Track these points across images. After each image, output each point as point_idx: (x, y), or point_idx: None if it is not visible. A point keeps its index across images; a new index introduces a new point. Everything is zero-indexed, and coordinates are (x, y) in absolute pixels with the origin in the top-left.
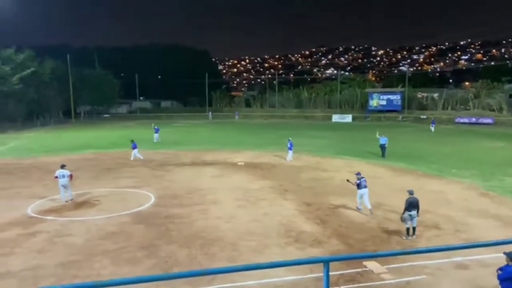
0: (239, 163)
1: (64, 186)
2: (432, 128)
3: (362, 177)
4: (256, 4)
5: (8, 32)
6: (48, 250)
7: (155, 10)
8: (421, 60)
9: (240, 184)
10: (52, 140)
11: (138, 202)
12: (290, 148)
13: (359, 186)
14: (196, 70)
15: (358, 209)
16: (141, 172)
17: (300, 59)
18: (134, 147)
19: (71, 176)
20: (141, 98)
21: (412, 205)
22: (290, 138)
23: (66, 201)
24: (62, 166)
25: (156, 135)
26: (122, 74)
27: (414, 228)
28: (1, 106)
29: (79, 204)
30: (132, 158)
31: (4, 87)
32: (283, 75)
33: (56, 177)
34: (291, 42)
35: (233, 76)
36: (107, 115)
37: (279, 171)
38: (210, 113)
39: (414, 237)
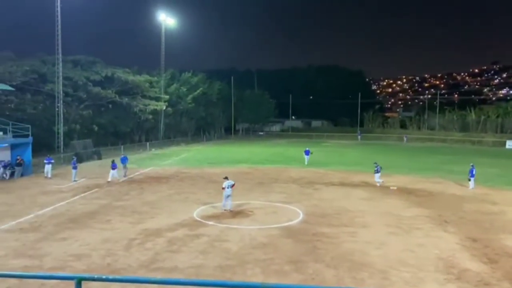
0: (391, 187)
1: (227, 196)
2: None
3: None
4: (413, 21)
5: (189, 59)
6: (209, 252)
7: (314, 34)
8: None
9: (392, 210)
10: (215, 153)
11: (287, 217)
12: (472, 176)
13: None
14: (349, 90)
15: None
16: (290, 189)
17: (467, 78)
18: (114, 167)
19: (233, 186)
20: (293, 117)
21: None
22: (473, 163)
23: (225, 210)
24: (226, 178)
25: (307, 157)
26: (278, 95)
27: None
28: (176, 122)
29: (236, 213)
30: (109, 179)
31: (180, 105)
32: (446, 95)
33: (224, 188)
34: (457, 59)
35: (388, 96)
36: (261, 133)
37: (438, 200)
38: (359, 133)
39: None
